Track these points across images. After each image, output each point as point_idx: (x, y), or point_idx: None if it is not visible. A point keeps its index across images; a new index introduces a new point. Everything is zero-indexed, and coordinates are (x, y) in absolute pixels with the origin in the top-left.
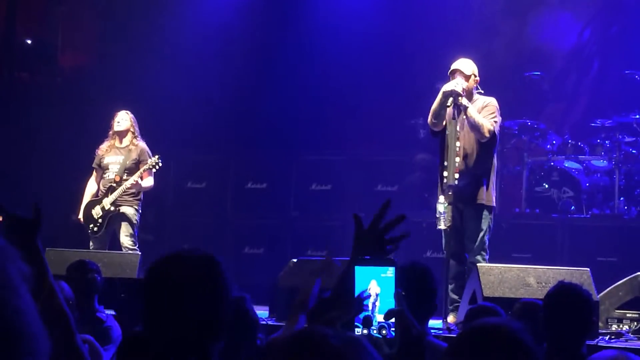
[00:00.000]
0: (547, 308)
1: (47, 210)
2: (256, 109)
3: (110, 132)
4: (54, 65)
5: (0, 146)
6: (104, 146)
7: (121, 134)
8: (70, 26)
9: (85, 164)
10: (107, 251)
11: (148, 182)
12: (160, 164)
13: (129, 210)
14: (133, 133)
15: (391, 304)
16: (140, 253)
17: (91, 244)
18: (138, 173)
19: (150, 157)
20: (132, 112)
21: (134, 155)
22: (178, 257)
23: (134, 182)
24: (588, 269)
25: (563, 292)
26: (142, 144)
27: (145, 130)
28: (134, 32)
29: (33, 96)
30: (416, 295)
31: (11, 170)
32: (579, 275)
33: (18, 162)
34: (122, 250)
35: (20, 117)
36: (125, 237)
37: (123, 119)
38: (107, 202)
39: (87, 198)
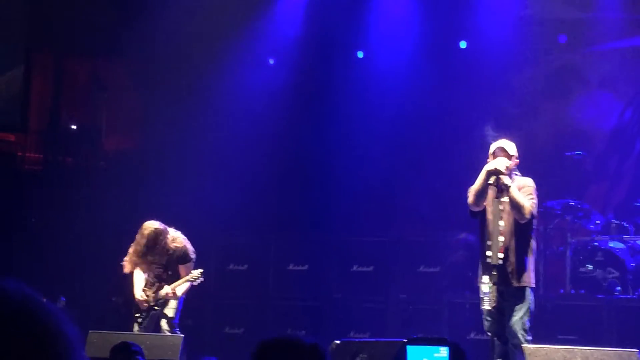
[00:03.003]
0: None
1: (90, 292)
2: (297, 190)
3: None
4: (98, 149)
5: (45, 229)
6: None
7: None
8: (114, 111)
9: (128, 246)
10: (149, 334)
11: (183, 288)
12: (201, 279)
13: (173, 304)
14: (165, 241)
15: None
16: (182, 335)
17: (135, 327)
18: (182, 286)
19: (191, 256)
20: (175, 195)
21: (176, 252)
22: (285, 343)
23: (171, 294)
24: (637, 350)
25: None
26: (180, 240)
27: (187, 212)
28: (175, 114)
29: (77, 180)
30: None
31: (55, 253)
32: (627, 356)
33: (62, 245)
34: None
35: (65, 201)
36: (165, 323)
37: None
38: (152, 298)
39: (137, 287)
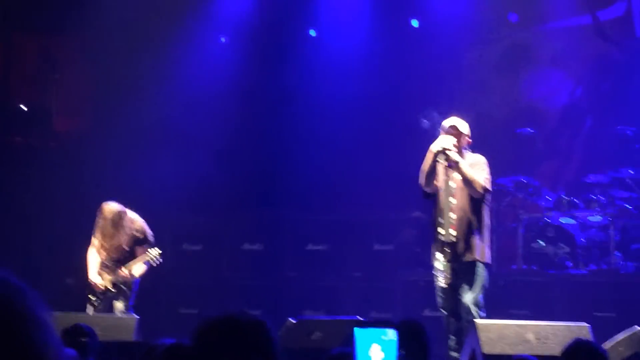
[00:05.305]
0: None
1: (42, 273)
2: (250, 170)
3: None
4: (48, 129)
5: None
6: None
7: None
8: (65, 91)
9: (79, 227)
10: (103, 315)
11: (141, 270)
12: (160, 261)
13: (128, 285)
14: (124, 219)
15: None
16: (137, 317)
17: (90, 309)
18: (139, 267)
19: (149, 238)
20: (127, 175)
21: (134, 234)
22: (230, 321)
23: (128, 275)
24: (587, 324)
25: (579, 348)
26: (139, 222)
27: (140, 192)
28: (127, 94)
29: (27, 160)
30: (408, 351)
31: (6, 234)
32: (578, 330)
33: (13, 226)
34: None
35: (15, 181)
36: (119, 305)
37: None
38: (108, 281)
39: (92, 270)
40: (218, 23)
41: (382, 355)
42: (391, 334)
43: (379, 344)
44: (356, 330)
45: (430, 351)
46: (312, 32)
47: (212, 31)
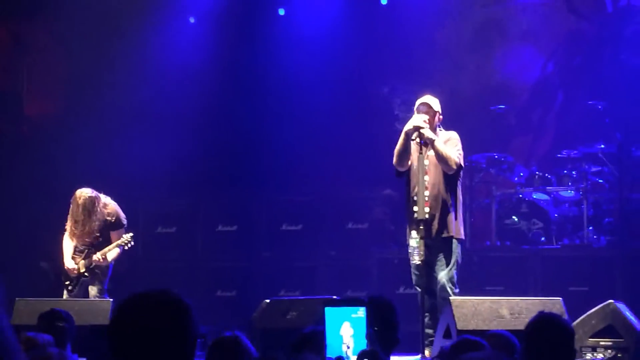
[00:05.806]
0: (528, 338)
1: (17, 258)
2: (224, 151)
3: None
4: (20, 114)
5: None
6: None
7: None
8: (35, 75)
9: (52, 211)
10: (78, 299)
11: (114, 254)
12: (132, 243)
13: (101, 269)
14: (100, 207)
15: (364, 344)
16: (112, 300)
17: (65, 294)
18: (112, 252)
19: (122, 222)
20: (100, 159)
21: (107, 218)
22: (146, 299)
23: (102, 259)
24: (560, 298)
25: (543, 322)
26: (112, 207)
27: (113, 175)
28: (98, 79)
29: None
30: (378, 328)
31: None
32: (552, 305)
33: None
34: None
35: None
36: (94, 289)
37: (81, 212)
38: (82, 265)
39: (67, 256)
40: (186, 3)
41: (351, 332)
42: (361, 312)
43: (349, 322)
44: (327, 309)
45: (400, 327)
46: (281, 11)
47: (181, 11)
